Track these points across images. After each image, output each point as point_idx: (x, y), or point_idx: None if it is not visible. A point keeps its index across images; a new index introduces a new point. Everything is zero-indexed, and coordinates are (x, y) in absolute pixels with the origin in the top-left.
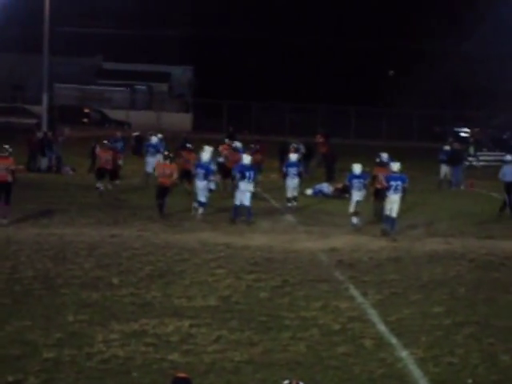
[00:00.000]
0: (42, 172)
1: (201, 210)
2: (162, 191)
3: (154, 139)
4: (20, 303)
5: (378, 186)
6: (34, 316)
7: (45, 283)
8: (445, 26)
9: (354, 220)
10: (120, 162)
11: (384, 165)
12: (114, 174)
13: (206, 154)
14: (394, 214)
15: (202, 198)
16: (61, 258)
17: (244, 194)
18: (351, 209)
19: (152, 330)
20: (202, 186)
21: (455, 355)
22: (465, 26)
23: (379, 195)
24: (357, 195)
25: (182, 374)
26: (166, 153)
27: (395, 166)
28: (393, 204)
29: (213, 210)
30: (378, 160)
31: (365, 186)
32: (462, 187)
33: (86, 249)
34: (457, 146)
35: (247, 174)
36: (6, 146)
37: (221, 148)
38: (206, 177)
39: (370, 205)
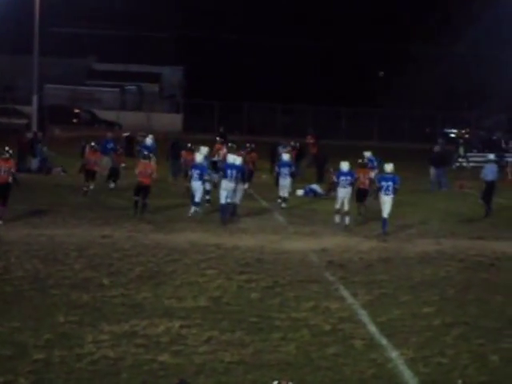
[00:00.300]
0: (33, 173)
1: (193, 209)
2: (142, 189)
3: (149, 141)
4: (10, 304)
5: (361, 186)
6: (23, 317)
7: (35, 284)
8: (436, 28)
9: (337, 219)
10: (122, 164)
11: (365, 165)
12: (115, 174)
13: (201, 154)
14: (386, 215)
15: (197, 198)
16: (51, 258)
17: (225, 191)
18: (337, 205)
19: (142, 330)
20: (197, 186)
21: (445, 356)
22: (457, 27)
23: (360, 195)
24: (342, 192)
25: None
26: (147, 152)
27: (389, 167)
28: (385, 204)
29: (203, 211)
30: (360, 161)
31: (351, 184)
32: (445, 189)
33: (76, 250)
34: (438, 148)
35: (229, 172)
36: (7, 148)
37: (216, 147)
38: (200, 177)
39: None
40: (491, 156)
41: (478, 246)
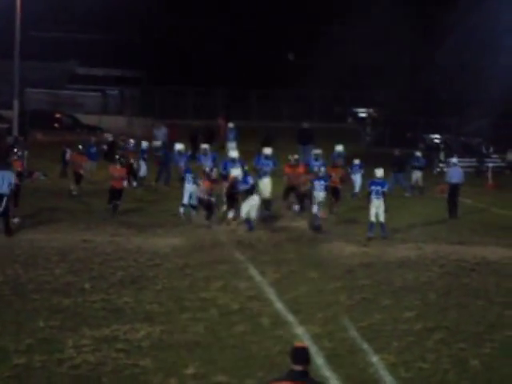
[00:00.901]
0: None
1: (194, 213)
2: (115, 193)
3: (145, 145)
4: None
5: (332, 185)
6: (4, 322)
7: (15, 289)
8: (418, 35)
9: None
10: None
11: (337, 165)
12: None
13: None
14: (382, 219)
15: (193, 201)
16: (32, 263)
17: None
18: (314, 210)
19: (123, 335)
20: (191, 189)
21: (426, 360)
22: (438, 33)
23: (335, 194)
24: (319, 196)
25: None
26: (118, 156)
27: (379, 173)
28: (377, 209)
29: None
30: (332, 160)
31: (326, 188)
32: (408, 194)
33: (57, 254)
34: (398, 152)
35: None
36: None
37: None
38: (194, 180)
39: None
40: (454, 159)
41: (458, 251)
